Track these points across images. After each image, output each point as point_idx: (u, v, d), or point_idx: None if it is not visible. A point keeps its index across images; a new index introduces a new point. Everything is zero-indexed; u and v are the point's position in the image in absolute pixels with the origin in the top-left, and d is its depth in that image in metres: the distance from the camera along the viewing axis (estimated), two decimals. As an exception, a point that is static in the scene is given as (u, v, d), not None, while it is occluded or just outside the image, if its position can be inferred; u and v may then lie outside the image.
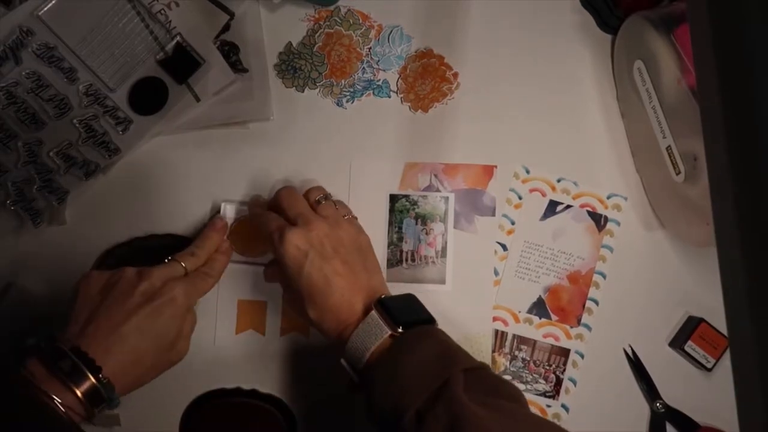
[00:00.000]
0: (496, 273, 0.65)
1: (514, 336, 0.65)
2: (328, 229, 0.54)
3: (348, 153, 0.66)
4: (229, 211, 0.63)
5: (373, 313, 0.51)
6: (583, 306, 0.65)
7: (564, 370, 0.65)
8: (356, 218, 0.61)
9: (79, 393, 0.47)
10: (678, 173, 0.59)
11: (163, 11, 0.60)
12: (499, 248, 0.65)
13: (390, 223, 0.65)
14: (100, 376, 0.48)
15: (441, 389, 0.46)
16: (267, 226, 0.55)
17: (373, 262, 0.57)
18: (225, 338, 0.64)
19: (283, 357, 0.64)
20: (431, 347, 0.49)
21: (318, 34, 0.66)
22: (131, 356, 0.50)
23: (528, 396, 0.64)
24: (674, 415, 0.64)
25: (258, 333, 0.64)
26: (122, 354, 0.50)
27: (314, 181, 0.65)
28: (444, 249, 0.65)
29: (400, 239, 0.65)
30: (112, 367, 0.49)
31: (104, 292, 0.52)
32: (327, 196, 0.59)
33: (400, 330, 0.50)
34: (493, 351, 0.65)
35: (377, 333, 0.50)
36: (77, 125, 0.61)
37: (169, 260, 0.57)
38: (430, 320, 0.53)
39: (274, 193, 0.59)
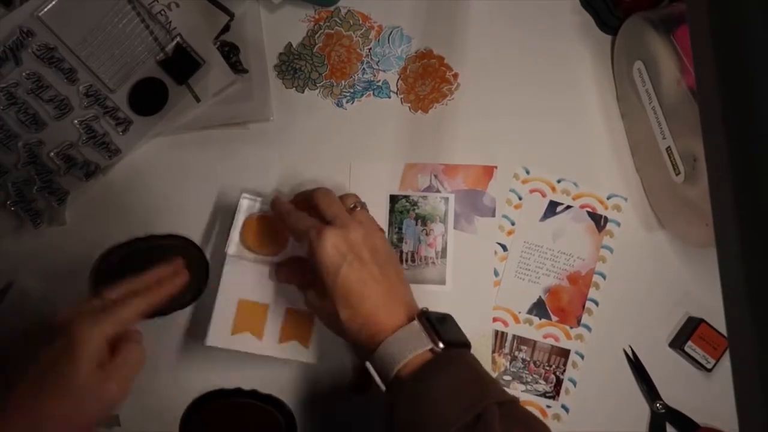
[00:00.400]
0: (496, 273, 0.65)
1: (514, 336, 0.65)
2: (365, 234, 0.53)
3: (348, 153, 0.66)
4: (245, 206, 0.61)
5: (416, 322, 0.50)
6: (583, 306, 0.65)
7: (564, 370, 0.65)
8: (384, 231, 0.60)
9: None
10: (678, 174, 0.59)
11: (163, 12, 0.60)
12: (499, 249, 0.65)
13: (390, 224, 0.65)
14: None
15: (477, 422, 0.45)
16: (301, 223, 0.54)
17: (404, 275, 0.56)
18: (219, 338, 0.60)
19: (283, 359, 0.64)
20: (467, 373, 0.49)
21: (318, 34, 0.66)
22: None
23: (528, 396, 0.65)
24: (674, 416, 0.64)
25: (255, 337, 0.61)
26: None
27: (316, 181, 0.65)
28: (444, 250, 0.65)
29: (400, 240, 0.65)
30: None
31: None
32: (362, 204, 0.58)
33: (441, 346, 0.49)
34: (493, 351, 0.65)
35: (417, 343, 0.49)
36: (77, 126, 0.61)
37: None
38: (467, 345, 0.53)
39: (309, 193, 0.58)
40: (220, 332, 0.60)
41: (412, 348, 0.49)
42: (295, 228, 0.55)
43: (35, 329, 0.50)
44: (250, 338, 0.61)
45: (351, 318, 0.51)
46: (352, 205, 0.57)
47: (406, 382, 0.48)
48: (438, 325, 0.50)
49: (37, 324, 0.50)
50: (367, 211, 0.58)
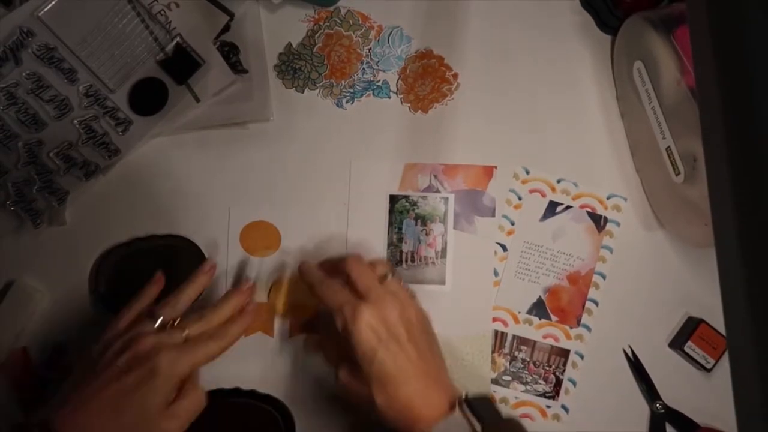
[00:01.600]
0: (495, 274, 0.65)
1: (513, 336, 0.65)
2: (400, 309, 0.52)
3: (348, 153, 0.66)
4: (265, 267, 0.61)
5: (457, 413, 0.50)
6: (583, 307, 0.65)
7: (564, 370, 0.65)
8: (415, 295, 0.59)
9: None
10: (677, 174, 0.59)
11: (163, 12, 0.60)
12: (499, 249, 0.65)
13: (390, 224, 0.65)
14: None
15: None
16: (334, 297, 0.53)
17: (437, 345, 0.56)
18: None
19: (283, 358, 0.64)
20: None
21: (318, 34, 0.66)
22: None
23: (527, 397, 0.65)
24: (674, 416, 0.64)
25: (266, 335, 0.64)
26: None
27: (316, 180, 0.65)
28: (444, 250, 0.65)
29: (400, 240, 0.65)
30: None
31: (90, 360, 0.49)
32: (393, 272, 0.57)
33: None
34: (493, 351, 0.65)
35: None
36: (77, 126, 0.61)
37: (176, 324, 0.52)
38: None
39: (338, 259, 0.57)
40: None
41: None
42: (328, 301, 0.53)
43: (110, 344, 0.49)
44: (262, 337, 0.63)
45: (387, 405, 0.50)
46: (384, 274, 0.56)
47: None
48: (480, 409, 0.50)
49: (111, 338, 0.50)
50: (399, 279, 0.57)
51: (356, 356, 0.51)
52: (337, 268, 0.56)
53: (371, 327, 0.50)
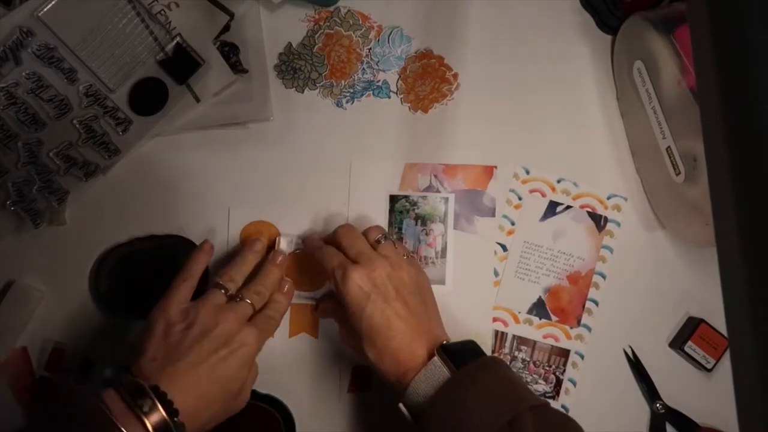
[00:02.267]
0: (496, 273, 0.65)
1: (514, 336, 0.65)
2: (390, 269, 0.54)
3: (348, 153, 0.66)
4: (284, 244, 0.62)
5: (436, 359, 0.51)
6: (583, 307, 0.65)
7: (564, 370, 0.65)
8: (414, 257, 0.61)
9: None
10: (678, 174, 0.59)
11: (163, 12, 0.60)
12: (499, 249, 0.65)
13: (390, 224, 0.65)
14: (176, 419, 0.46)
15: (510, 428, 0.46)
16: (328, 261, 0.56)
17: (433, 304, 0.57)
18: None
19: (284, 357, 0.64)
20: (495, 379, 0.50)
21: (318, 34, 0.66)
22: (204, 401, 0.50)
23: (528, 396, 0.65)
24: (674, 416, 0.64)
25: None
26: (196, 398, 0.49)
27: (316, 180, 0.65)
28: (444, 249, 0.65)
29: (400, 240, 0.65)
30: (186, 409, 0.47)
31: (181, 329, 0.51)
32: (386, 236, 0.58)
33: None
34: (493, 351, 0.65)
35: (439, 378, 0.50)
36: (77, 126, 0.61)
37: (238, 299, 0.55)
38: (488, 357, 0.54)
39: (333, 230, 0.59)
40: None
41: (436, 383, 0.50)
42: (324, 265, 0.56)
43: (187, 314, 0.53)
44: None
45: (378, 358, 0.53)
46: (376, 239, 0.58)
47: (435, 405, 0.49)
48: (456, 354, 0.51)
49: (186, 309, 0.53)
50: (394, 243, 0.58)
51: (348, 315, 0.54)
52: (331, 240, 0.59)
53: (359, 286, 0.53)
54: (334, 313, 0.61)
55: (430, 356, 0.52)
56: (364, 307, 0.52)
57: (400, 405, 0.52)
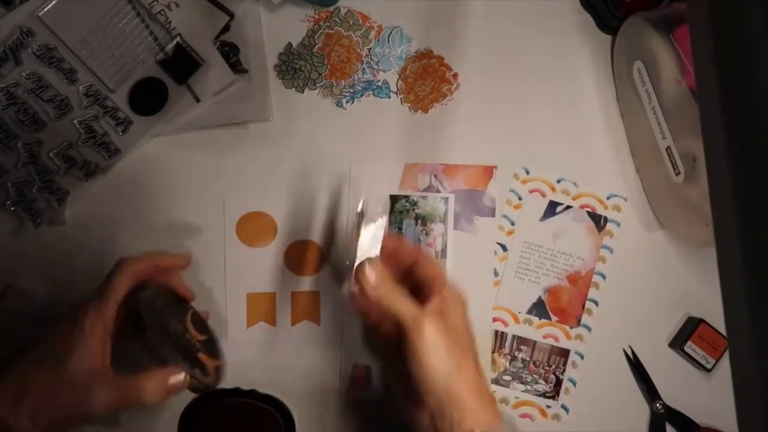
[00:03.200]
0: (495, 273, 0.65)
1: (513, 336, 0.65)
2: (463, 319, 0.49)
3: (348, 154, 0.66)
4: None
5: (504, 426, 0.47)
6: (583, 307, 0.65)
7: (564, 370, 0.65)
8: None
9: None
10: (678, 174, 0.59)
11: (163, 12, 0.60)
12: (499, 249, 0.65)
13: (390, 224, 0.65)
14: None
15: None
16: (397, 305, 0.47)
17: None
18: (237, 333, 0.64)
19: (284, 355, 0.64)
20: None
21: (318, 34, 0.66)
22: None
23: (527, 397, 0.65)
24: (674, 416, 0.64)
25: (269, 324, 0.64)
26: None
27: (316, 180, 0.65)
28: (444, 250, 0.65)
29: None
30: None
31: None
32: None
33: None
34: (493, 351, 0.65)
35: None
36: (77, 126, 0.61)
37: None
38: None
39: (409, 252, 0.51)
40: (236, 328, 0.64)
41: None
42: (390, 311, 0.47)
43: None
44: (265, 326, 0.64)
45: (437, 407, 0.46)
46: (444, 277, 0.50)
47: None
48: None
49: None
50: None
51: (415, 373, 0.46)
52: (399, 257, 0.51)
53: (437, 346, 0.46)
54: (369, 317, 0.51)
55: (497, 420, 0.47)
56: (443, 374, 0.45)
57: None
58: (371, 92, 0.67)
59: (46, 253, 0.64)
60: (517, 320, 0.65)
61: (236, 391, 0.63)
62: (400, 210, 0.65)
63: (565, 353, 0.65)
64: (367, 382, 0.64)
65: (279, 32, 0.66)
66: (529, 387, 0.65)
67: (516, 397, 0.65)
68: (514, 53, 0.67)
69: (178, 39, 0.61)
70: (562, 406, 0.65)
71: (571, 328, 0.65)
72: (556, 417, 0.65)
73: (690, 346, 0.63)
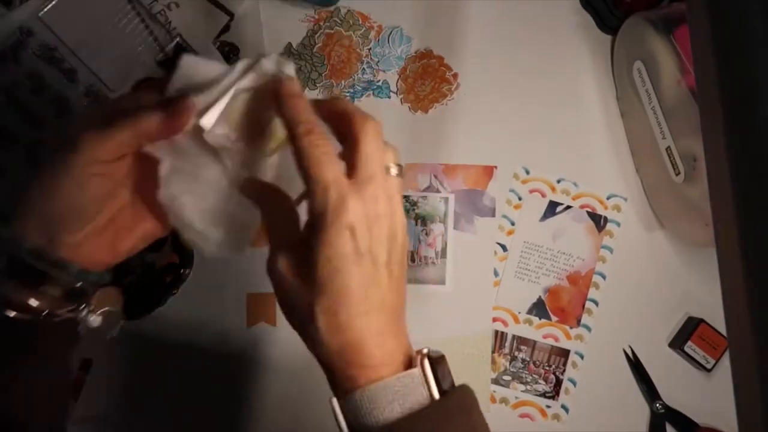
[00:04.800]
0: (495, 274, 0.65)
1: (513, 336, 0.65)
2: (390, 217, 0.40)
3: (348, 153, 0.66)
4: (267, 65, 0.43)
5: (416, 371, 0.37)
6: (583, 307, 0.65)
7: (564, 370, 0.65)
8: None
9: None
10: (677, 174, 0.59)
11: (163, 12, 0.60)
12: (499, 249, 0.65)
13: (390, 224, 0.65)
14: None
15: None
16: (325, 170, 0.37)
17: (406, 281, 0.42)
18: (237, 333, 0.64)
19: (285, 354, 0.64)
20: (470, 427, 0.37)
21: (318, 34, 0.66)
22: None
23: (527, 397, 0.65)
24: (674, 416, 0.64)
25: (269, 324, 0.64)
26: None
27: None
28: (444, 250, 0.65)
29: (400, 240, 0.65)
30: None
31: None
32: (401, 167, 0.43)
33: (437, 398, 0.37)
34: (493, 351, 0.65)
35: (412, 399, 0.36)
36: (77, 126, 0.61)
37: None
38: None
39: (349, 110, 0.41)
40: (236, 327, 0.64)
41: (407, 404, 0.36)
42: (314, 169, 0.38)
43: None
44: (266, 327, 0.64)
45: (331, 330, 0.37)
46: (390, 165, 0.42)
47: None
48: (439, 372, 0.37)
49: None
50: (402, 180, 0.43)
51: (316, 253, 0.37)
52: (335, 116, 0.42)
53: (353, 228, 0.37)
54: (270, 210, 0.43)
55: (405, 363, 0.38)
56: (347, 262, 0.36)
57: (334, 401, 0.38)
58: (371, 92, 0.67)
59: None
60: (517, 320, 0.65)
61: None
62: (400, 210, 0.65)
63: (565, 353, 0.65)
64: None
65: (279, 32, 0.66)
66: (529, 387, 0.65)
67: (516, 397, 0.65)
68: (514, 53, 0.67)
69: (178, 39, 0.61)
70: (562, 406, 0.65)
71: (571, 328, 0.65)
72: (556, 417, 0.65)
73: (690, 346, 0.63)
